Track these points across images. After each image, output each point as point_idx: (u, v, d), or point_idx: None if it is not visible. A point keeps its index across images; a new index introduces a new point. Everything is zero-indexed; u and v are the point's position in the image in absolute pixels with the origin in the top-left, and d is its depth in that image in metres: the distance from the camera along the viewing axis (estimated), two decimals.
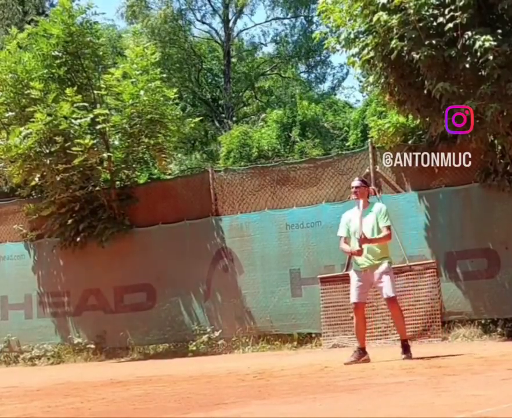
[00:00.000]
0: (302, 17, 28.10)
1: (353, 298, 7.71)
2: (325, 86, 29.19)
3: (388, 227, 7.69)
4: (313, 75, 29.55)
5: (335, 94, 27.98)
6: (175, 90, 12.11)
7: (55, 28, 11.72)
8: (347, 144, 14.81)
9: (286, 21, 28.63)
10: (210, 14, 28.00)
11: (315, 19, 26.23)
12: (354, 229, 7.70)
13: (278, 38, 28.70)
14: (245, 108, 29.08)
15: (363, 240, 7.57)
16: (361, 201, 7.69)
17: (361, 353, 7.68)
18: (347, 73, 28.68)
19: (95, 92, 11.88)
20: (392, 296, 7.57)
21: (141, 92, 11.20)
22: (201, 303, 11.30)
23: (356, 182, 7.84)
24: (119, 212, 11.92)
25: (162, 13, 26.31)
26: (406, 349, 7.61)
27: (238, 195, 11.34)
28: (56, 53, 11.79)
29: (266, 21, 28.65)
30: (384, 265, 7.58)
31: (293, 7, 27.76)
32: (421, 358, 7.36)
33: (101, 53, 12.20)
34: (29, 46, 12.16)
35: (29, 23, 14.63)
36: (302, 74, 30.03)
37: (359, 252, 7.59)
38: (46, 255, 12.43)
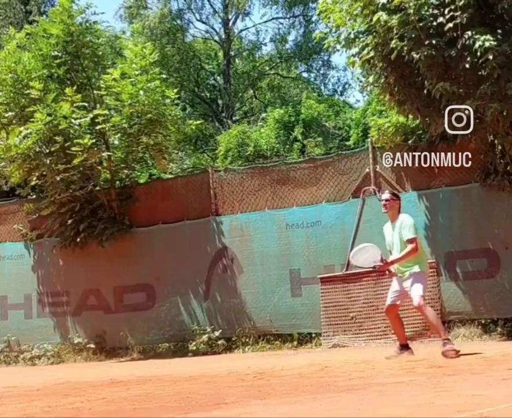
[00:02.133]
0: (301, 17, 28.08)
1: (387, 300, 7.91)
2: (329, 88, 29.18)
3: (411, 241, 7.55)
4: (313, 75, 29.54)
5: (341, 95, 27.96)
6: (175, 90, 12.11)
7: (54, 28, 11.73)
8: (348, 143, 14.81)
9: (285, 21, 28.62)
10: (210, 15, 28.00)
11: (314, 18, 26.23)
12: (389, 243, 7.83)
13: (277, 37, 28.68)
14: (244, 108, 29.07)
15: (384, 266, 7.69)
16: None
17: (403, 349, 7.79)
18: (348, 81, 28.67)
19: (95, 91, 11.88)
20: (418, 305, 7.58)
21: (141, 92, 11.20)
22: (201, 303, 11.30)
23: (386, 195, 7.86)
24: (119, 212, 11.92)
25: (160, 12, 26.30)
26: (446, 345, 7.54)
27: (238, 195, 11.34)
28: (56, 53, 11.80)
29: (266, 21, 28.64)
30: (409, 274, 7.60)
31: (291, 6, 27.73)
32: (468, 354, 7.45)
33: (100, 52, 12.20)
34: (29, 46, 12.17)
35: (31, 23, 14.63)
36: (303, 74, 30.01)
37: (391, 275, 7.80)
38: (46, 255, 12.44)
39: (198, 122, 12.95)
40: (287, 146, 16.17)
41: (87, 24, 12.04)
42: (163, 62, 24.36)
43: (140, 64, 11.46)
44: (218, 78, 28.43)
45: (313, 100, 17.99)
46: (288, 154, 15.48)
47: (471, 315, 9.64)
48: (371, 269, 8.11)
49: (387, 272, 7.92)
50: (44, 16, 16.68)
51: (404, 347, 7.82)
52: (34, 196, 12.65)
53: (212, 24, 27.92)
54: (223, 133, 18.41)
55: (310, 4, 26.06)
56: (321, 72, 29.11)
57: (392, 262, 7.62)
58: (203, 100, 27.71)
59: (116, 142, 11.74)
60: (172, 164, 14.09)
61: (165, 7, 26.51)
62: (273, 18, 28.60)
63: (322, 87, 28.87)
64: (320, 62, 28.55)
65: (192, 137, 17.46)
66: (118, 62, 11.88)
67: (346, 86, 28.70)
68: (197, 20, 27.99)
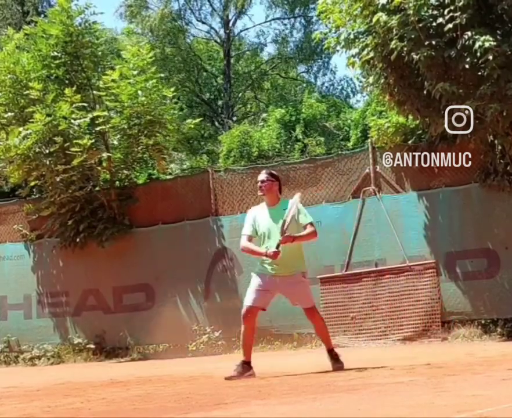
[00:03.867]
0: (302, 17, 28.08)
1: (249, 301, 6.63)
2: (329, 88, 29.18)
3: (312, 224, 6.67)
4: (312, 76, 29.55)
5: (340, 94, 27.94)
6: (172, 89, 12.12)
7: (54, 29, 11.72)
8: (349, 144, 14.83)
9: (286, 21, 28.63)
10: (210, 15, 28.01)
11: (314, 19, 26.23)
12: (264, 230, 6.62)
13: (278, 38, 28.69)
14: (244, 108, 29.08)
15: (286, 238, 6.44)
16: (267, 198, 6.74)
17: (246, 368, 6.63)
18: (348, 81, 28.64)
19: (94, 92, 11.88)
20: (309, 307, 6.85)
21: (139, 92, 11.20)
22: (201, 303, 11.30)
23: (262, 175, 6.77)
24: (119, 212, 11.92)
25: (160, 12, 26.31)
26: (335, 358, 6.72)
27: (238, 195, 11.34)
28: (55, 53, 11.80)
29: (266, 21, 28.65)
30: (298, 274, 6.62)
31: (292, 6, 27.74)
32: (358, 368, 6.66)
33: (100, 53, 12.20)
34: (28, 46, 12.16)
35: (29, 23, 14.65)
36: (303, 74, 30.02)
37: (275, 255, 6.45)
38: (46, 256, 12.44)
39: (197, 120, 12.95)
40: (288, 146, 16.19)
41: (87, 24, 12.03)
42: (164, 63, 24.38)
43: (138, 64, 11.46)
44: (218, 78, 28.43)
45: (314, 100, 18.02)
46: (290, 154, 15.49)
47: (471, 315, 9.64)
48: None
49: (274, 248, 6.47)
50: (42, 16, 16.69)
51: (248, 364, 6.67)
52: (34, 196, 12.65)
53: (210, 23, 27.94)
54: (224, 133, 18.42)
55: (311, 5, 26.07)
56: (322, 72, 29.14)
57: (295, 238, 6.48)
58: (203, 101, 27.71)
59: (115, 143, 11.75)
60: (172, 165, 14.09)
61: (165, 7, 26.51)
62: (273, 19, 28.62)
63: (322, 87, 28.89)
64: (320, 62, 28.56)
65: (191, 137, 17.45)
66: (116, 63, 11.88)
67: (346, 85, 28.72)
68: (197, 20, 28.01)
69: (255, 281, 6.65)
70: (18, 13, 22.12)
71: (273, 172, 6.97)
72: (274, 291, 6.72)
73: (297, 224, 6.59)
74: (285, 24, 28.53)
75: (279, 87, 28.96)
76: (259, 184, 6.76)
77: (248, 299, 6.63)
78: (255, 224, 6.69)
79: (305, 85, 28.92)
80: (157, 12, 26.58)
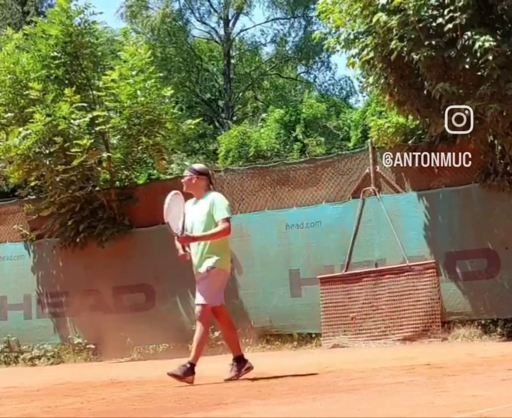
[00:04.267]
0: (301, 18, 28.09)
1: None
2: (329, 88, 29.18)
3: (226, 220, 6.33)
4: (312, 76, 29.56)
5: (340, 94, 27.95)
6: (169, 88, 12.12)
7: (53, 29, 11.72)
8: (349, 145, 14.83)
9: (286, 21, 28.64)
10: (210, 14, 28.01)
11: (314, 19, 26.24)
12: (189, 224, 6.46)
13: (278, 38, 28.69)
14: (244, 108, 29.08)
15: (183, 239, 6.31)
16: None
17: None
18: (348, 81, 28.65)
19: (94, 92, 11.88)
20: (196, 304, 6.48)
21: (138, 92, 11.20)
22: None
23: (186, 171, 6.72)
24: (119, 213, 11.92)
25: (161, 12, 26.32)
26: (184, 369, 6.31)
27: (238, 195, 11.34)
28: (55, 53, 11.79)
29: (266, 21, 28.66)
30: (204, 267, 6.37)
31: (292, 7, 27.75)
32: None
33: (100, 53, 12.19)
34: (28, 46, 12.16)
35: (29, 23, 14.66)
36: (303, 75, 30.02)
37: (183, 257, 6.42)
38: (45, 256, 12.43)
39: (196, 120, 12.94)
40: (287, 146, 16.20)
41: (86, 24, 12.03)
42: (164, 63, 24.38)
43: (136, 64, 11.46)
44: (218, 78, 28.44)
45: (314, 100, 18.04)
46: (289, 154, 15.50)
47: (471, 315, 9.64)
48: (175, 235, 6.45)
49: (181, 251, 6.44)
50: (41, 17, 16.69)
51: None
52: (34, 197, 12.65)
53: (210, 23, 27.94)
54: (223, 134, 18.43)
55: (311, 6, 26.09)
56: (322, 72, 29.15)
57: (195, 238, 6.31)
58: (203, 101, 27.72)
59: (115, 142, 11.75)
60: (172, 165, 14.09)
61: (166, 7, 26.53)
62: (273, 19, 28.63)
63: (322, 87, 28.90)
64: (320, 63, 28.57)
65: (190, 138, 17.47)
66: (115, 64, 11.87)
67: (345, 85, 28.73)
68: (197, 20, 28.02)
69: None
70: (19, 13, 22.12)
71: (200, 169, 6.78)
72: None
73: (214, 221, 6.38)
74: (282, 24, 28.55)
75: (279, 88, 28.97)
76: (183, 180, 6.69)
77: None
78: (184, 219, 6.49)
79: (304, 85, 28.94)
80: (157, 12, 26.60)
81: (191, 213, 6.52)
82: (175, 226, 6.39)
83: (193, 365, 6.33)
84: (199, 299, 6.46)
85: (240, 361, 6.59)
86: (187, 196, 6.74)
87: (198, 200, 6.56)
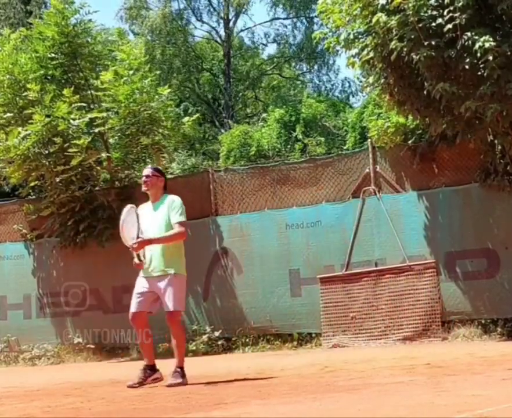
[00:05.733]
0: (303, 18, 28.09)
1: (132, 307, 6.66)
2: (329, 88, 29.19)
3: (182, 224, 6.33)
4: (313, 76, 29.55)
5: (347, 97, 27.96)
6: (166, 86, 12.11)
7: (49, 30, 11.72)
8: (345, 147, 14.85)
9: (287, 22, 28.66)
10: (210, 14, 28.01)
11: (316, 19, 26.26)
12: (146, 226, 6.40)
13: (279, 38, 28.71)
14: (245, 108, 29.09)
15: (139, 244, 6.27)
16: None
17: (150, 372, 6.56)
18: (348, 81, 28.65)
19: (92, 92, 11.88)
20: (171, 311, 6.45)
21: (136, 91, 11.20)
22: (201, 303, 11.30)
23: (146, 171, 6.62)
24: (119, 212, 11.87)
25: (161, 13, 26.32)
26: (178, 376, 6.36)
27: (238, 195, 11.34)
28: (52, 54, 11.79)
29: (266, 21, 28.68)
30: (168, 277, 6.36)
31: (294, 7, 27.75)
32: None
33: (97, 52, 12.19)
34: (25, 48, 12.15)
35: (31, 23, 14.64)
36: (304, 74, 30.03)
37: (139, 266, 6.46)
38: (45, 255, 12.43)
39: (194, 117, 12.90)
40: (289, 146, 16.21)
41: (82, 24, 12.02)
42: (164, 63, 24.37)
43: (133, 63, 11.45)
44: (219, 78, 28.44)
45: (313, 100, 18.05)
46: (290, 154, 15.51)
47: (471, 315, 9.65)
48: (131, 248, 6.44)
49: (136, 259, 6.46)
50: (37, 18, 16.67)
51: (152, 368, 6.60)
52: (34, 196, 12.65)
53: (210, 23, 27.94)
54: (224, 133, 18.44)
55: (313, 6, 26.12)
56: (322, 72, 29.16)
57: (152, 241, 6.27)
58: (204, 101, 27.72)
59: (114, 142, 11.75)
60: (173, 164, 14.09)
61: (165, 7, 26.53)
62: (273, 19, 28.63)
63: (323, 87, 28.91)
64: (321, 62, 28.58)
65: (190, 137, 17.47)
66: (112, 65, 11.85)
67: (347, 85, 28.74)
68: (197, 20, 28.02)
69: (137, 283, 6.64)
70: (22, 12, 22.11)
71: (158, 167, 6.86)
72: (150, 292, 6.55)
73: (170, 223, 6.38)
74: (285, 26, 28.56)
75: (280, 87, 28.98)
76: (143, 178, 6.58)
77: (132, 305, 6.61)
78: (139, 222, 6.40)
79: (304, 84, 28.94)
80: (157, 12, 26.60)
81: (146, 217, 6.46)
82: (130, 237, 6.38)
83: (182, 368, 6.41)
84: (173, 306, 6.41)
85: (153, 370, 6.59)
86: (142, 196, 6.76)
87: (154, 203, 6.51)
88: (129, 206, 6.59)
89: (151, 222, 6.43)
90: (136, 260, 6.42)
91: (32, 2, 22.50)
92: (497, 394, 4.51)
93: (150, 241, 6.31)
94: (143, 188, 6.61)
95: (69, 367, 11.09)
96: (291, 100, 24.59)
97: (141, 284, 6.57)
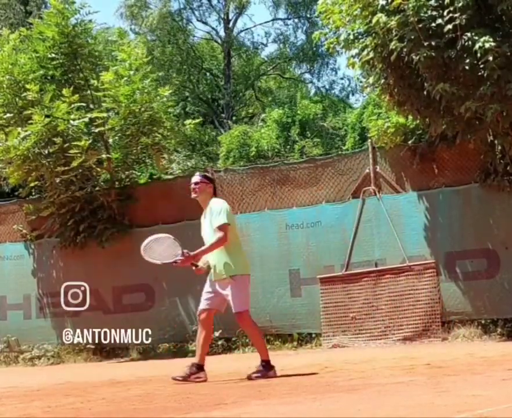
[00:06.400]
0: (304, 18, 28.10)
1: (201, 305, 6.67)
2: (329, 88, 29.18)
3: (221, 227, 6.31)
4: (313, 76, 29.54)
5: (347, 96, 27.96)
6: (167, 87, 12.11)
7: (49, 30, 11.71)
8: (344, 148, 14.85)
9: (288, 22, 28.66)
10: (210, 14, 28.01)
11: (316, 20, 26.24)
12: (203, 233, 6.60)
13: (280, 39, 28.71)
14: (244, 108, 29.09)
15: (184, 260, 6.33)
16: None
17: (196, 370, 6.57)
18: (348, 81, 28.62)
19: (92, 92, 11.88)
20: (236, 313, 6.45)
21: (136, 92, 11.20)
22: None
23: (195, 178, 6.65)
24: (119, 212, 11.92)
25: (160, 12, 26.33)
26: (265, 368, 6.40)
27: (238, 195, 11.34)
28: (52, 54, 11.78)
29: (267, 22, 28.68)
30: (229, 280, 6.39)
31: (295, 8, 27.76)
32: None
33: (97, 53, 12.19)
34: (25, 48, 12.15)
35: (30, 24, 14.67)
36: (304, 74, 30.04)
37: (199, 272, 6.53)
38: (45, 256, 12.43)
39: (197, 121, 12.91)
40: (288, 146, 16.22)
41: (83, 24, 12.01)
42: (164, 63, 24.36)
43: (134, 63, 11.45)
44: (219, 78, 28.44)
45: (308, 101, 18.04)
46: (289, 155, 15.52)
47: (471, 315, 9.65)
48: (173, 263, 6.48)
49: (193, 268, 6.50)
50: (37, 18, 16.67)
51: (200, 367, 6.61)
52: (34, 197, 12.65)
53: (210, 23, 27.95)
54: (224, 134, 18.45)
55: (314, 7, 26.13)
56: (323, 72, 29.15)
57: (196, 255, 6.34)
58: (203, 101, 27.72)
59: (114, 142, 11.74)
60: (173, 165, 14.09)
61: (164, 7, 26.54)
62: (273, 19, 28.63)
63: (323, 88, 28.90)
64: (321, 62, 28.58)
65: (191, 139, 17.50)
66: (112, 65, 11.85)
67: (347, 85, 28.73)
68: (197, 20, 28.02)
69: (206, 284, 6.66)
70: (21, 13, 22.11)
71: (207, 174, 6.92)
72: (219, 294, 6.56)
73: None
74: (287, 25, 28.55)
75: (279, 88, 28.98)
76: (192, 186, 6.61)
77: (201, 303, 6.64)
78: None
79: (304, 85, 28.93)
80: (157, 12, 26.61)
81: (203, 225, 6.62)
82: (172, 254, 6.45)
83: (268, 362, 6.41)
84: (236, 308, 6.44)
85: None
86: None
87: (205, 209, 6.59)
88: (164, 235, 6.70)
89: (205, 230, 6.56)
90: (193, 268, 6.55)
91: (31, 2, 22.50)
92: (497, 394, 4.51)
93: (194, 257, 6.40)
94: (192, 195, 6.62)
95: (69, 367, 11.09)
96: (286, 102, 24.58)
97: (209, 285, 6.62)
